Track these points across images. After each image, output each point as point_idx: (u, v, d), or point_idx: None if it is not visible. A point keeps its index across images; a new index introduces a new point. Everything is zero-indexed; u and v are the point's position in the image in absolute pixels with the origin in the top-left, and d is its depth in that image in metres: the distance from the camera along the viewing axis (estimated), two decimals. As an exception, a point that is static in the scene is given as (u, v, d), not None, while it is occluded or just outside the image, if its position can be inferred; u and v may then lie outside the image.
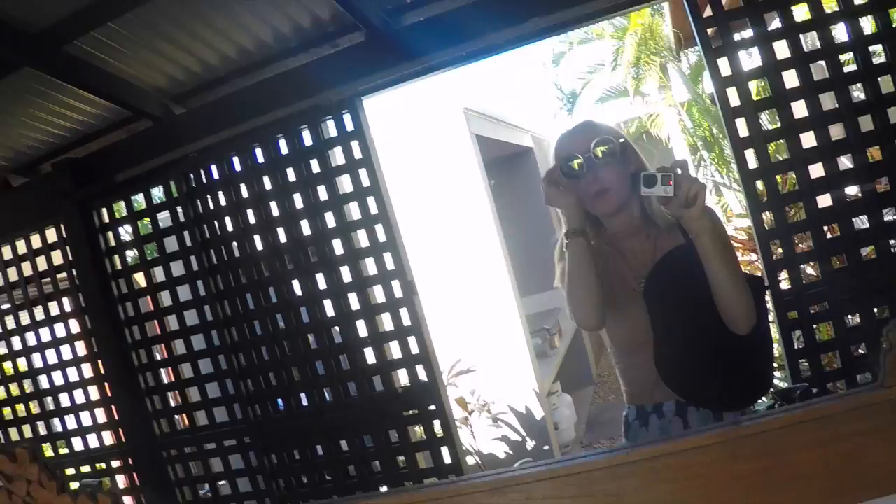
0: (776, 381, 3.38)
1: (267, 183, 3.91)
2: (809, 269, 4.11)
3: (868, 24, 3.67)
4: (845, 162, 3.53)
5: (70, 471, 4.46)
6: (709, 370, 2.47)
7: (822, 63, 3.51)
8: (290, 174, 3.87)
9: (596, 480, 1.54)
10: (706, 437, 1.56)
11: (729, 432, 1.54)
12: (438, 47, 3.61)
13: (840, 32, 3.53)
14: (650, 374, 2.48)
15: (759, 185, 3.50)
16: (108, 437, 4.41)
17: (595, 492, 1.54)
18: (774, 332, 3.40)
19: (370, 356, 3.85)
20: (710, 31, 3.49)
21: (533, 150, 9.64)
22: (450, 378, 5.82)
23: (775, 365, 3.56)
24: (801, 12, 3.67)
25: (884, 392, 1.40)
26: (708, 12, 3.51)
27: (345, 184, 3.82)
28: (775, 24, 3.63)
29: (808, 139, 3.44)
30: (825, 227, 3.50)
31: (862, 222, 3.55)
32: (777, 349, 3.60)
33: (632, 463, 1.54)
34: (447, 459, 3.76)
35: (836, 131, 3.47)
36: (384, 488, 3.84)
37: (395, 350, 3.82)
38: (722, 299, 2.34)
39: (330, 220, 3.81)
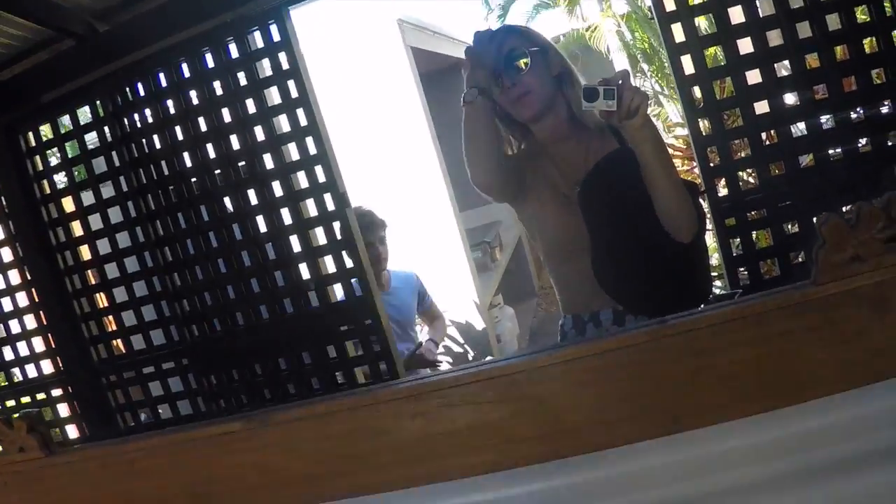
0: (715, 290, 3.37)
1: (194, 98, 3.78)
2: (747, 177, 4.10)
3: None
4: (781, 70, 3.50)
5: (10, 402, 4.35)
6: (647, 277, 2.46)
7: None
8: (218, 88, 3.74)
9: (517, 384, 1.51)
10: (631, 336, 1.54)
11: (656, 331, 1.51)
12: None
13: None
14: (586, 281, 2.46)
15: (696, 91, 3.46)
16: (47, 366, 4.28)
17: (516, 395, 1.52)
18: (712, 239, 3.41)
19: (304, 272, 3.78)
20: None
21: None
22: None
23: (714, 273, 3.58)
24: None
25: (816, 289, 1.38)
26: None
27: (274, 96, 3.70)
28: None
29: (745, 45, 3.41)
30: (762, 134, 3.48)
31: (800, 130, 3.53)
32: (715, 257, 3.62)
33: (554, 365, 1.51)
34: (386, 374, 3.72)
35: (774, 38, 3.43)
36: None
37: (329, 264, 3.74)
38: (665, 207, 2.32)
39: (259, 133, 3.70)
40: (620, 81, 2.12)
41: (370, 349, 3.70)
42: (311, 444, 1.60)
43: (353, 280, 3.70)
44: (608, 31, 12.52)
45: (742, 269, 3.52)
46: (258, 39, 3.70)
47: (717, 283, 4.62)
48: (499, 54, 2.40)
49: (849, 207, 1.43)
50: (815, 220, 1.24)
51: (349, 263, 3.68)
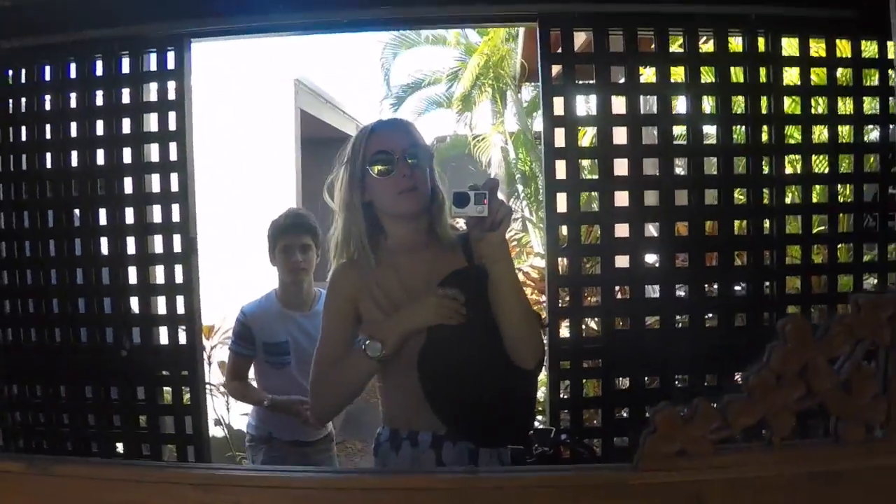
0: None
1: (73, 100, 3.63)
2: (592, 323, 4.14)
3: (708, 105, 3.71)
4: (651, 230, 3.56)
5: None
6: (477, 400, 2.39)
7: (654, 129, 3.52)
8: (99, 97, 3.60)
9: (311, 499, 1.43)
10: (435, 480, 1.47)
11: (462, 480, 1.44)
12: (279, 9, 3.42)
13: (681, 105, 3.55)
14: (411, 398, 2.38)
15: (564, 230, 3.48)
16: None
17: None
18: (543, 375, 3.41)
19: (135, 305, 3.64)
20: (554, 67, 3.44)
21: None
22: (222, 339, 5.61)
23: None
24: (648, 73, 3.68)
25: (635, 475, 1.35)
26: (558, 49, 3.45)
27: (151, 122, 3.58)
28: (620, 79, 3.60)
29: (622, 198, 3.44)
30: (617, 288, 3.52)
31: (653, 291, 3.58)
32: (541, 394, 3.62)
33: (348, 490, 1.43)
34: (189, 429, 3.59)
35: (651, 198, 3.48)
36: (120, 445, 3.68)
37: (161, 305, 3.61)
38: (512, 329, 2.26)
39: (127, 155, 3.56)
40: (490, 190, 2.08)
41: (180, 401, 3.58)
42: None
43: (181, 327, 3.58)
44: (494, 144, 12.62)
45: (565, 411, 3.52)
46: (153, 61, 3.61)
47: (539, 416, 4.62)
48: (404, 140, 2.35)
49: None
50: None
51: (180, 309, 3.55)
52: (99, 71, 3.62)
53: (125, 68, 3.59)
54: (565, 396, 3.55)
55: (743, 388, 1.34)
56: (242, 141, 5.93)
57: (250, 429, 4.08)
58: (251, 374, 4.06)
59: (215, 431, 5.50)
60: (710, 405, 1.33)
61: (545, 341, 3.15)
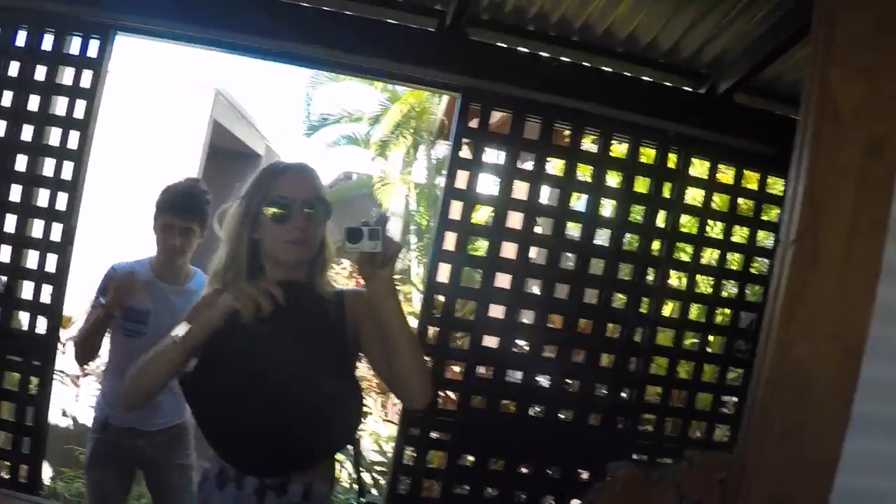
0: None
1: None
2: (451, 396, 4.17)
3: (609, 209, 3.79)
4: (526, 317, 3.61)
5: None
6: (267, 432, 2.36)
7: (552, 221, 3.58)
8: (13, 67, 3.52)
9: None
10: None
11: None
12: (205, 23, 3.42)
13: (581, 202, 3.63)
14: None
15: (440, 298, 3.51)
16: None
17: None
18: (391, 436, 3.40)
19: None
20: (465, 141, 3.48)
21: (262, 159, 9.57)
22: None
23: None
24: (556, 166, 3.75)
25: None
26: (474, 124, 3.51)
27: (59, 106, 3.52)
28: (528, 165, 3.67)
29: (503, 280, 3.49)
30: (481, 366, 3.56)
31: (515, 377, 3.63)
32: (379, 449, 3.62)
33: None
34: (29, 420, 3.51)
35: (532, 286, 3.54)
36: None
37: (26, 290, 3.54)
38: (404, 367, 2.20)
39: (27, 133, 3.49)
40: (382, 225, 2.06)
41: (27, 390, 3.51)
42: None
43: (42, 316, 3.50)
44: (399, 192, 12.68)
45: (407, 478, 3.52)
46: (75, 45, 3.54)
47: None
48: (307, 190, 2.33)
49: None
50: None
51: (45, 299, 3.48)
52: (20, 41, 3.54)
53: (46, 45, 3.52)
54: (409, 463, 3.54)
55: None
56: (150, 140, 5.86)
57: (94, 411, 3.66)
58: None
59: (60, 421, 5.39)
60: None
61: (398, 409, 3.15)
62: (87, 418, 5.69)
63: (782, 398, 1.41)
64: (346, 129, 14.17)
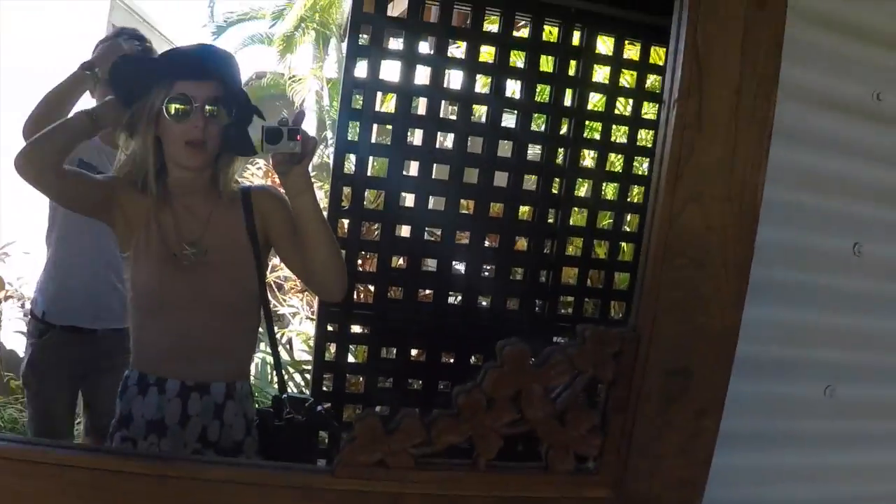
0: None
1: None
2: (364, 289, 4.14)
3: (512, 90, 3.73)
4: (437, 202, 3.57)
5: None
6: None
7: (455, 107, 3.51)
8: None
9: None
10: (128, 463, 1.39)
11: (153, 466, 1.39)
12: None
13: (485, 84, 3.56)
14: (162, 343, 2.29)
15: (347, 190, 3.45)
16: None
17: None
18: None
19: None
20: (363, 27, 3.37)
21: None
22: (1, 252, 5.32)
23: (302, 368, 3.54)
24: (458, 51, 3.66)
25: (331, 480, 1.31)
26: (369, 8, 3.38)
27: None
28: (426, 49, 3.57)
29: (412, 168, 3.44)
30: (394, 257, 3.52)
31: (431, 265, 3.60)
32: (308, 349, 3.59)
33: (44, 464, 1.34)
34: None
35: (441, 172, 3.49)
36: None
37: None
38: (320, 260, 2.17)
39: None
40: (298, 124, 2.02)
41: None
42: None
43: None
44: (311, 88, 12.53)
45: (330, 375, 3.50)
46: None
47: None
48: (212, 88, 2.21)
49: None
50: (350, 414, 1.16)
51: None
52: None
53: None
54: (329, 360, 3.52)
55: (452, 404, 1.33)
56: (45, 51, 5.58)
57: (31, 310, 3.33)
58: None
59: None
60: (414, 419, 1.30)
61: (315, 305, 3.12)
62: (13, 343, 5.60)
63: (673, 266, 1.37)
64: (252, 28, 13.84)
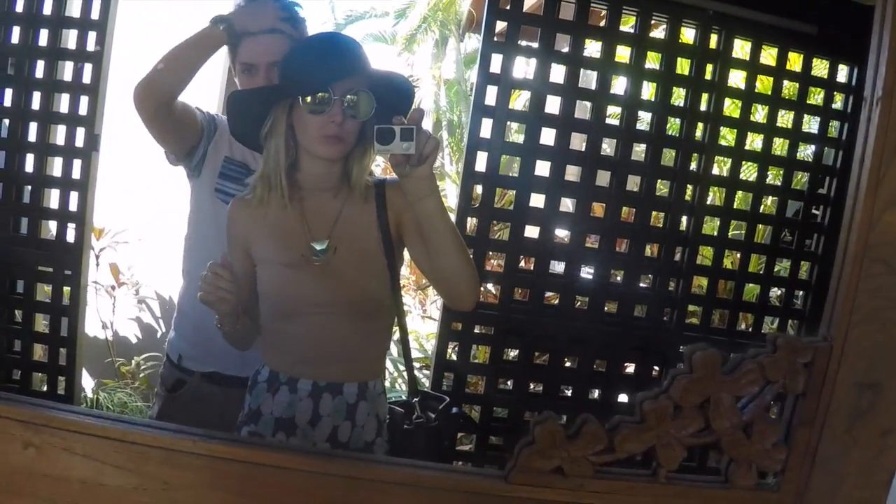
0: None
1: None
2: (493, 288, 4.08)
3: (649, 91, 3.64)
4: (568, 204, 3.51)
5: None
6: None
7: (588, 105, 3.45)
8: (20, 4, 3.37)
9: (149, 459, 1.32)
10: (288, 458, 1.37)
11: (315, 462, 1.35)
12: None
13: (620, 85, 3.49)
14: (294, 345, 2.28)
15: (478, 189, 3.42)
16: None
17: (145, 471, 1.31)
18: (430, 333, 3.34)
19: (25, 195, 3.47)
20: (499, 24, 3.33)
21: None
22: (112, 240, 5.45)
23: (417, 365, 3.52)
24: (594, 48, 3.59)
25: (505, 486, 1.27)
26: (506, 5, 3.35)
27: (74, 7, 3.39)
28: (564, 47, 3.50)
29: (542, 168, 3.38)
30: (522, 257, 3.47)
31: (557, 269, 3.54)
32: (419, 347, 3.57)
33: (195, 455, 1.32)
34: (64, 331, 3.47)
35: (573, 173, 3.43)
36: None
37: (53, 198, 3.46)
38: (449, 269, 2.10)
39: (43, 37, 3.37)
40: (416, 123, 1.91)
41: (59, 300, 3.46)
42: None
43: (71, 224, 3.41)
44: (428, 88, 12.30)
45: (450, 374, 3.47)
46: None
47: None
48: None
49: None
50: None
51: (73, 206, 3.40)
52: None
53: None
54: (453, 358, 3.50)
55: (636, 411, 1.27)
56: (171, 41, 5.68)
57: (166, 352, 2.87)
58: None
59: (99, 334, 5.39)
60: (597, 425, 1.25)
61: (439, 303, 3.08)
62: (127, 331, 5.74)
63: (871, 274, 1.29)
64: (372, 26, 13.95)
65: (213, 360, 2.60)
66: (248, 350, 2.34)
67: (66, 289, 3.44)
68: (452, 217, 2.64)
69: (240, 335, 2.28)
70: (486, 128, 3.35)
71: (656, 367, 3.56)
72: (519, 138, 3.71)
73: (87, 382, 5.11)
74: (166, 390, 2.73)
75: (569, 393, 3.61)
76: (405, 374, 2.51)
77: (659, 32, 3.68)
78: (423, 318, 6.58)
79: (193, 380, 2.66)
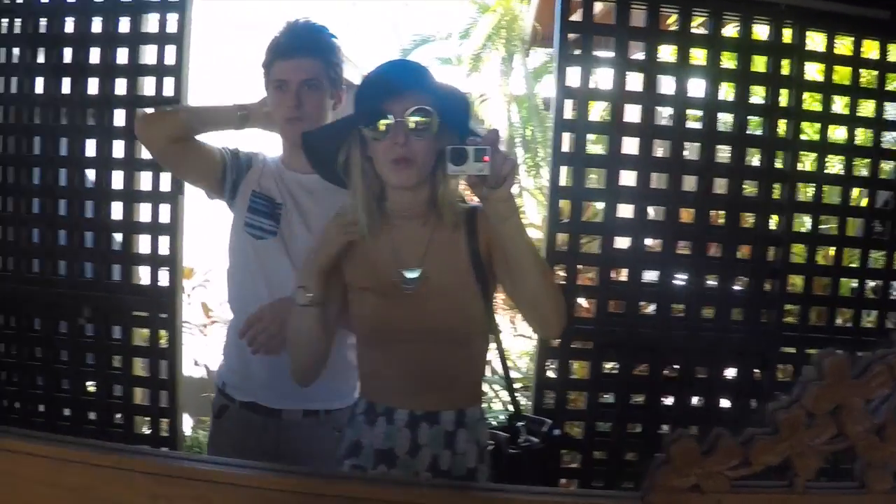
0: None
1: (69, 25, 3.51)
2: (586, 303, 4.04)
3: (726, 92, 3.60)
4: (657, 212, 3.47)
5: None
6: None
7: (669, 110, 3.41)
8: (97, 23, 3.48)
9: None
10: (421, 494, 1.38)
11: (446, 495, 1.38)
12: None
13: (698, 88, 3.44)
14: (389, 374, 2.25)
15: (564, 204, 3.38)
16: None
17: None
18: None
19: (117, 241, 3.56)
20: (571, 36, 3.32)
21: None
22: (203, 279, 5.51)
23: (517, 386, 3.48)
24: (667, 52, 3.56)
25: None
26: (577, 17, 3.33)
27: (148, 55, 3.46)
28: (639, 55, 3.47)
29: (628, 178, 3.34)
30: (612, 270, 3.43)
31: (652, 277, 3.49)
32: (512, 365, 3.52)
33: (329, 497, 1.31)
34: (163, 374, 3.51)
35: (658, 181, 3.39)
36: (91, 384, 3.63)
37: (143, 244, 3.52)
38: (532, 294, 2.06)
39: (121, 86, 3.44)
40: (491, 143, 1.84)
41: (156, 343, 3.50)
42: (40, 488, 1.32)
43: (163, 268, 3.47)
44: (498, 105, 12.40)
45: (550, 393, 3.42)
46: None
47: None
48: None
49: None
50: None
51: (163, 250, 3.46)
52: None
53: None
54: (552, 376, 3.45)
55: (768, 422, 1.23)
56: (243, 81, 5.77)
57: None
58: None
59: (192, 372, 5.44)
60: (730, 439, 1.23)
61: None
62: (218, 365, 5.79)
63: None
64: (437, 50, 14.11)
65: (252, 390, 2.59)
66: (309, 384, 2.31)
67: (163, 332, 3.48)
68: (539, 234, 2.61)
69: (309, 364, 2.26)
70: (568, 142, 3.35)
71: (756, 371, 3.49)
72: (594, 149, 3.68)
73: (187, 422, 5.15)
74: (213, 416, 2.75)
75: (671, 401, 3.54)
76: (505, 396, 2.47)
77: (727, 31, 3.64)
78: (514, 336, 6.53)
79: (234, 407, 2.65)
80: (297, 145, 2.37)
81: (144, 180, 3.48)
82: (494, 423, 2.45)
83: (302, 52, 2.49)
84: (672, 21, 3.65)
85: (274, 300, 2.46)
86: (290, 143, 2.56)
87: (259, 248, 2.59)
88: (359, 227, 2.15)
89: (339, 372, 2.50)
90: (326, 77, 2.53)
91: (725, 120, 3.56)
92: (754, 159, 3.61)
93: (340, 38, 2.61)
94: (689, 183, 3.43)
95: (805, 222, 3.68)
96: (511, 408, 2.43)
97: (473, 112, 2.45)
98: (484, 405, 2.35)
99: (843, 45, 3.67)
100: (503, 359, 2.39)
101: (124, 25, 3.46)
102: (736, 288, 3.59)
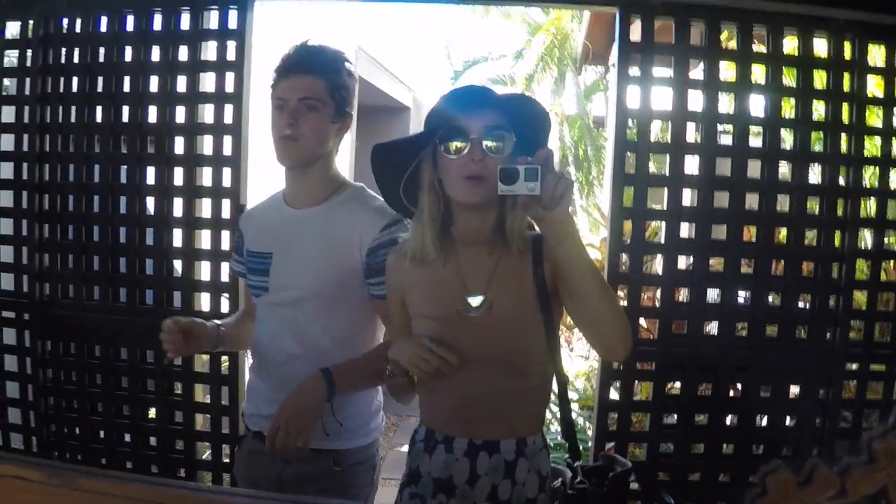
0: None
1: (128, 54, 3.54)
2: (647, 325, 3.99)
3: (788, 109, 3.56)
4: (720, 233, 3.44)
5: None
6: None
7: (729, 127, 3.38)
8: (155, 53, 3.50)
9: None
10: None
11: None
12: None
13: (758, 105, 3.41)
14: (450, 401, 2.24)
15: (626, 226, 3.37)
16: None
17: None
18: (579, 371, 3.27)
19: (177, 269, 3.58)
20: (632, 56, 3.30)
21: (410, 112, 9.47)
22: None
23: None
24: (728, 71, 3.53)
25: None
26: (636, 37, 3.31)
27: (207, 82, 3.48)
28: (698, 73, 3.44)
29: (688, 197, 3.32)
30: (674, 289, 3.40)
31: (715, 296, 3.45)
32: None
33: None
34: (224, 400, 3.55)
35: (721, 199, 3.36)
36: (152, 411, 3.66)
37: (204, 271, 3.54)
38: (595, 317, 2.04)
39: (180, 115, 3.46)
40: (543, 163, 1.81)
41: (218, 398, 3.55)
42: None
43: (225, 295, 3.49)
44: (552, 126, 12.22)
45: (614, 413, 3.40)
46: (213, 19, 3.51)
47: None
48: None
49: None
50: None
51: (224, 277, 3.47)
52: (157, 25, 3.54)
53: (184, 25, 3.51)
54: (615, 398, 3.42)
55: (863, 451, 1.20)
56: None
57: None
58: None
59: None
60: (826, 469, 1.20)
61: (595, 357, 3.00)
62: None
63: None
64: (490, 70, 14.16)
65: (261, 421, 2.52)
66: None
67: (224, 357, 3.50)
68: (596, 254, 2.58)
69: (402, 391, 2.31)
70: (630, 162, 3.34)
71: (821, 391, 3.44)
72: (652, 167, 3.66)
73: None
74: (235, 441, 2.90)
75: (735, 421, 3.49)
76: (561, 416, 2.43)
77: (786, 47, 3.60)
78: (570, 357, 6.50)
79: (248, 435, 2.65)
80: (291, 169, 2.50)
81: (205, 207, 3.50)
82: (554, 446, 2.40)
83: (302, 70, 2.44)
84: (727, 37, 3.61)
85: (280, 393, 2.38)
86: (285, 166, 2.53)
87: (260, 304, 2.61)
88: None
89: (355, 415, 2.54)
90: (330, 98, 2.46)
91: (786, 137, 3.52)
92: (815, 174, 3.57)
93: (351, 62, 2.60)
94: (752, 200, 3.39)
95: (867, 238, 3.62)
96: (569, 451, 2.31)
97: (550, 133, 2.42)
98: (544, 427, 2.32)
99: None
100: (563, 397, 2.31)
101: (183, 54, 3.49)
102: (799, 305, 3.55)
